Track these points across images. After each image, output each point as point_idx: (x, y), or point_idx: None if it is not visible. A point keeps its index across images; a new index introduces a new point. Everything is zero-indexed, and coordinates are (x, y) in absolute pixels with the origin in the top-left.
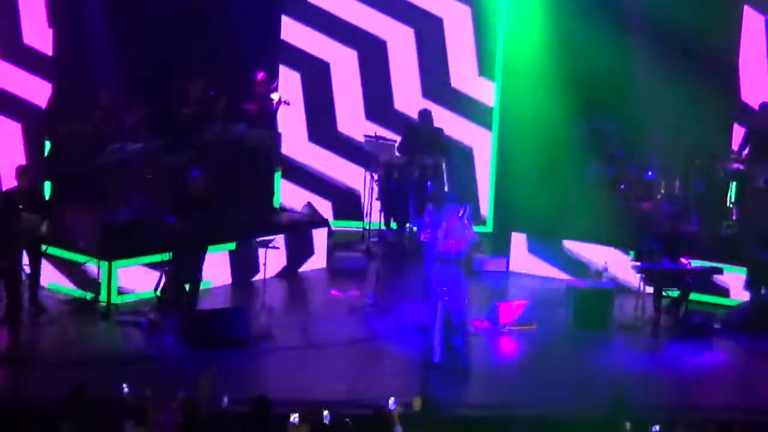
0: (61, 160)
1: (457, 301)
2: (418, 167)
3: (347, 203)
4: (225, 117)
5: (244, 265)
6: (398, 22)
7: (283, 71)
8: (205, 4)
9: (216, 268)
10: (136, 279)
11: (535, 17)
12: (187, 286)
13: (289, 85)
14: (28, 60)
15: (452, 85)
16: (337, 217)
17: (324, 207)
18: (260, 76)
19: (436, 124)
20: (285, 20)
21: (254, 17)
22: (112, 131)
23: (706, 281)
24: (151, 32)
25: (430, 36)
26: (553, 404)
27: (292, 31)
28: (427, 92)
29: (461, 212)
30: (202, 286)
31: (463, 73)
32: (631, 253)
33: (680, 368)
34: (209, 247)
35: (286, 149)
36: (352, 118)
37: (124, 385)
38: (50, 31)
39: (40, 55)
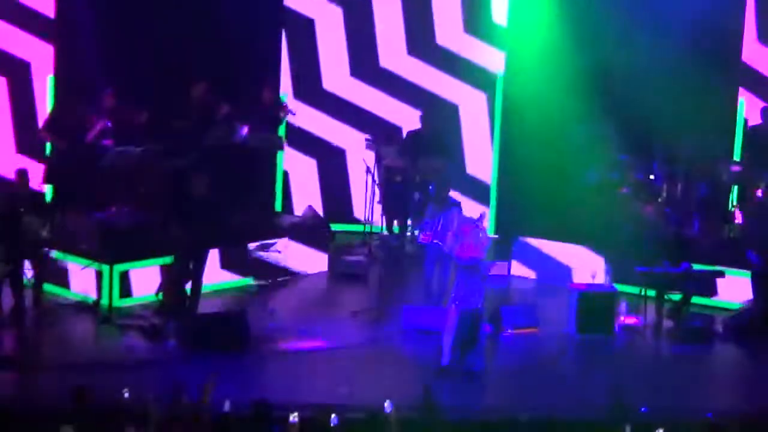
0: (63, 163)
1: (475, 306)
2: (420, 170)
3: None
4: (227, 120)
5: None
6: None
7: None
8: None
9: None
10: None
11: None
12: (188, 290)
13: None
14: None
15: (438, 43)
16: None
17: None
18: (267, 94)
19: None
20: None
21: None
22: (116, 134)
23: (707, 285)
24: (156, 36)
25: None
26: (555, 408)
27: None
28: (412, 50)
29: (478, 217)
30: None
31: (449, 30)
32: (633, 257)
33: (682, 372)
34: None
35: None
36: (337, 76)
37: (125, 390)
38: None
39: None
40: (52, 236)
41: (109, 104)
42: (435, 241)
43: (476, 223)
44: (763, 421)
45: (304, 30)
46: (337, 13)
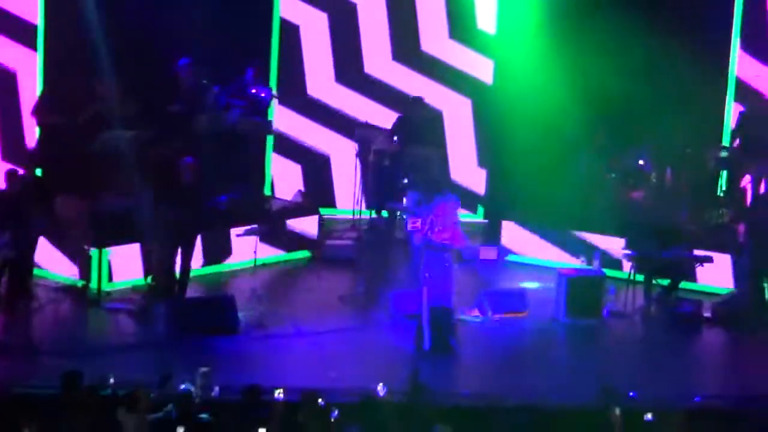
0: (53, 148)
1: (444, 288)
2: (410, 155)
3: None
4: (216, 106)
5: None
6: None
7: None
8: None
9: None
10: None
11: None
12: (177, 274)
13: None
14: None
15: (423, 49)
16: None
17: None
18: (249, 73)
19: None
20: None
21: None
22: (108, 120)
23: (696, 270)
24: (146, 23)
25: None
26: (543, 393)
27: None
28: (397, 56)
29: (453, 202)
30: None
31: (434, 36)
32: (622, 241)
33: (670, 357)
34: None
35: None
36: (322, 81)
37: (112, 375)
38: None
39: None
40: (43, 220)
41: (100, 92)
42: (422, 226)
43: (451, 207)
44: (749, 405)
45: (290, 36)
46: (322, 18)
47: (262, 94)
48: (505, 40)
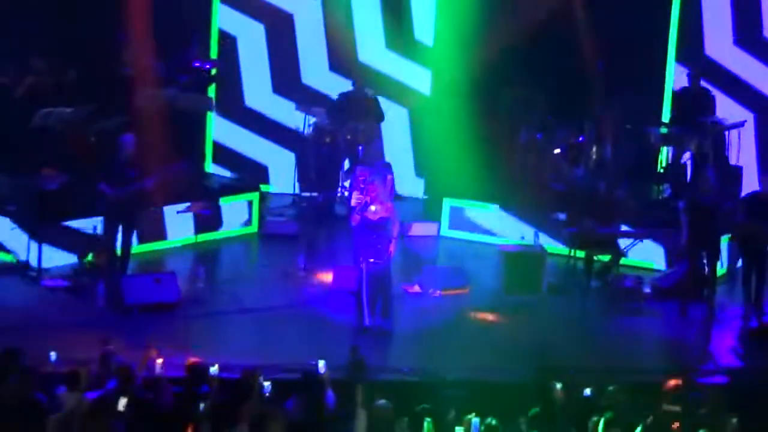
0: None
1: (382, 264)
2: (350, 131)
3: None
4: (156, 82)
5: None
6: None
7: None
8: None
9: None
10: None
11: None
12: (118, 251)
13: None
14: None
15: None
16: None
17: None
18: (195, 53)
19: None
20: None
21: None
22: (45, 95)
23: (635, 246)
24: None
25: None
26: (483, 368)
27: None
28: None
29: (388, 177)
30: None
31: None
32: (561, 217)
33: (610, 332)
34: None
35: None
36: (260, 92)
37: (53, 353)
38: None
39: None
40: None
41: (36, 66)
42: (358, 204)
43: (387, 180)
44: (690, 380)
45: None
46: (259, 30)
47: (207, 66)
48: (443, 51)
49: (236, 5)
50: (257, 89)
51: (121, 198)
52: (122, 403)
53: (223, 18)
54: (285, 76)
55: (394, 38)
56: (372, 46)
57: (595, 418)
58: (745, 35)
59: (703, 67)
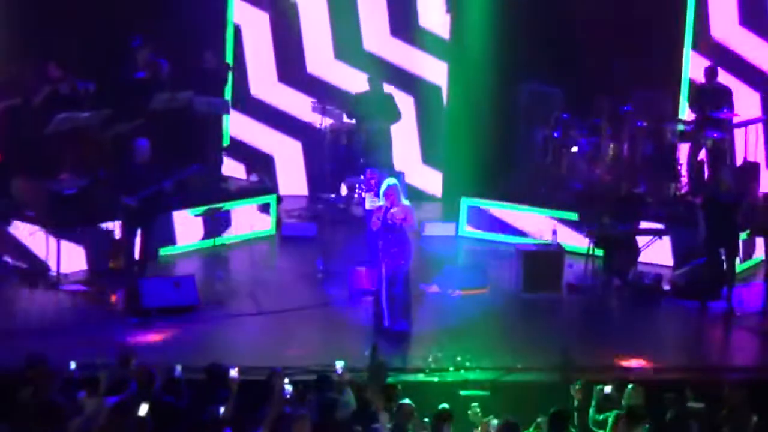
0: (8, 132)
1: (400, 267)
2: (365, 132)
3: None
4: (172, 84)
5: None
6: None
7: None
8: None
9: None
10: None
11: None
12: (137, 255)
13: None
14: None
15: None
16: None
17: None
18: (209, 56)
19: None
20: None
21: None
22: (62, 101)
23: (654, 243)
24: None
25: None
26: (503, 368)
27: None
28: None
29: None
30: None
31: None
32: (575, 215)
33: (629, 330)
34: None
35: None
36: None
37: (72, 362)
38: None
39: None
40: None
41: (54, 75)
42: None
43: (394, 185)
44: (709, 376)
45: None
46: (264, 19)
47: (222, 69)
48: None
49: None
50: (263, 79)
51: (141, 203)
52: (143, 409)
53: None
54: (290, 65)
55: (400, 26)
56: (378, 35)
57: (611, 414)
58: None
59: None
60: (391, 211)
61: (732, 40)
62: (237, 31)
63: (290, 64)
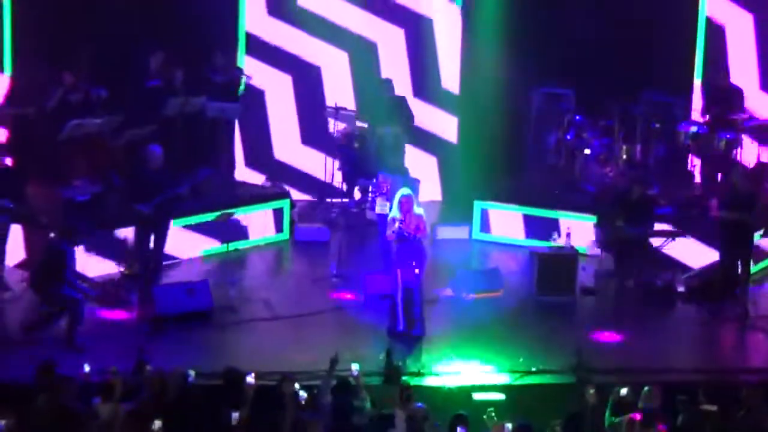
0: (23, 138)
1: (415, 274)
2: (378, 136)
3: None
4: (185, 90)
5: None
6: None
7: None
8: None
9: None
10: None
11: None
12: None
13: None
14: None
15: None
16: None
17: None
18: (219, 61)
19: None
20: None
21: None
22: (75, 107)
23: (668, 245)
24: (110, 7)
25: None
26: (517, 371)
27: None
28: None
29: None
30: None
31: None
32: (593, 218)
33: (644, 332)
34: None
35: None
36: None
37: (86, 365)
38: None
39: None
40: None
41: (67, 81)
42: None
43: (409, 195)
44: (723, 379)
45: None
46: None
47: (235, 75)
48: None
49: (263, 58)
50: (287, 141)
51: (154, 209)
52: (157, 425)
53: (249, 65)
54: (313, 127)
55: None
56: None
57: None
58: None
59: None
60: (405, 222)
61: None
62: (260, 94)
63: (314, 126)
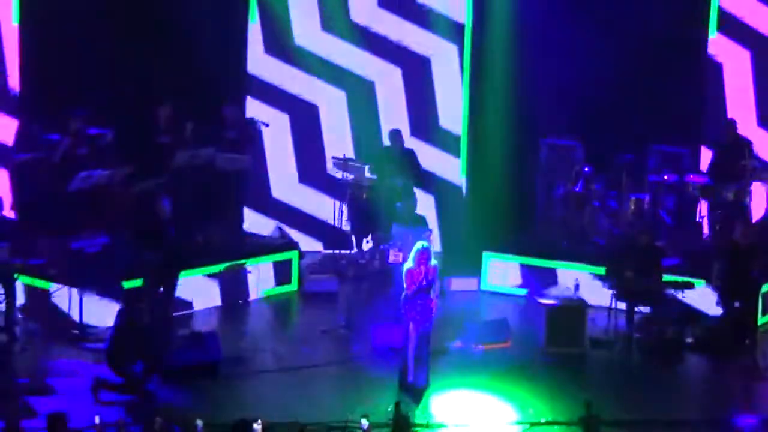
0: (30, 188)
1: (426, 327)
2: (387, 188)
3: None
4: (194, 141)
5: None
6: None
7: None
8: (170, 29)
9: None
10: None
11: (500, 24)
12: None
13: None
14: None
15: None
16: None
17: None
18: (228, 113)
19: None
20: None
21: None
22: (82, 158)
23: (677, 296)
24: (119, 57)
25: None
26: (525, 422)
27: None
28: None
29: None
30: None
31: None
32: (602, 269)
33: (653, 383)
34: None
35: None
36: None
37: (97, 416)
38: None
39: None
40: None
41: (74, 126)
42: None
43: (427, 248)
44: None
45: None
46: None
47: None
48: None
49: (263, 98)
50: (285, 181)
51: (164, 259)
52: None
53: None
54: (311, 165)
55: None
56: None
57: None
58: None
59: None
60: (423, 274)
61: None
62: (259, 133)
63: (312, 164)
